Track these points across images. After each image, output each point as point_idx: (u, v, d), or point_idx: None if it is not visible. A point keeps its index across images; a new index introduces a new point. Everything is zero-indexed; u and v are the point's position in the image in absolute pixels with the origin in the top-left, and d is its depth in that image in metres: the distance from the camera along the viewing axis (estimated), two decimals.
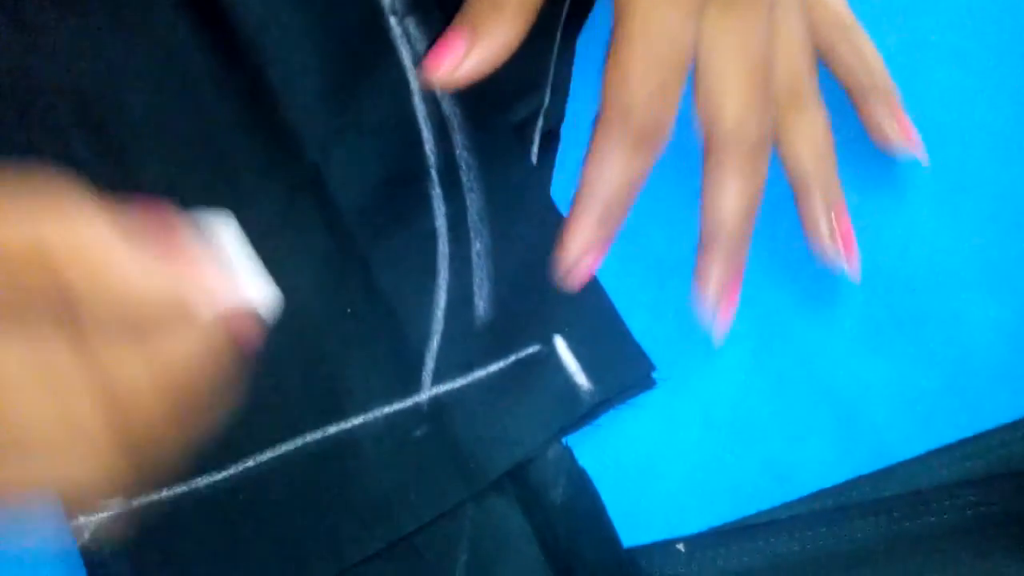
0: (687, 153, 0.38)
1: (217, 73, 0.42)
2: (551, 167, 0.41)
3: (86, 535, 0.39)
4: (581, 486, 0.38)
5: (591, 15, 0.43)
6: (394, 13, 0.42)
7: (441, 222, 0.40)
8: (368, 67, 0.41)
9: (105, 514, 0.39)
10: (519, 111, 0.41)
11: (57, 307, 0.26)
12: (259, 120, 0.41)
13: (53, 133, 0.42)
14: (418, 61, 0.41)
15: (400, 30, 0.42)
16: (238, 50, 0.41)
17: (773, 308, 0.41)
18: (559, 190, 0.41)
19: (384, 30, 0.42)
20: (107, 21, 0.42)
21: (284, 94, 0.41)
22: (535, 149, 0.41)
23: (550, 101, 0.42)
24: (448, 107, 0.41)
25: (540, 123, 0.41)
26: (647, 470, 0.40)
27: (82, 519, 0.39)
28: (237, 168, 0.41)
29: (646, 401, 0.40)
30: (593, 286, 0.39)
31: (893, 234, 0.42)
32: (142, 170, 0.41)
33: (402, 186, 0.40)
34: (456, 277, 0.39)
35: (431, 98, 0.41)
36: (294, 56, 0.41)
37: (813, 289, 0.41)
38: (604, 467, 0.39)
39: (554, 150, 0.42)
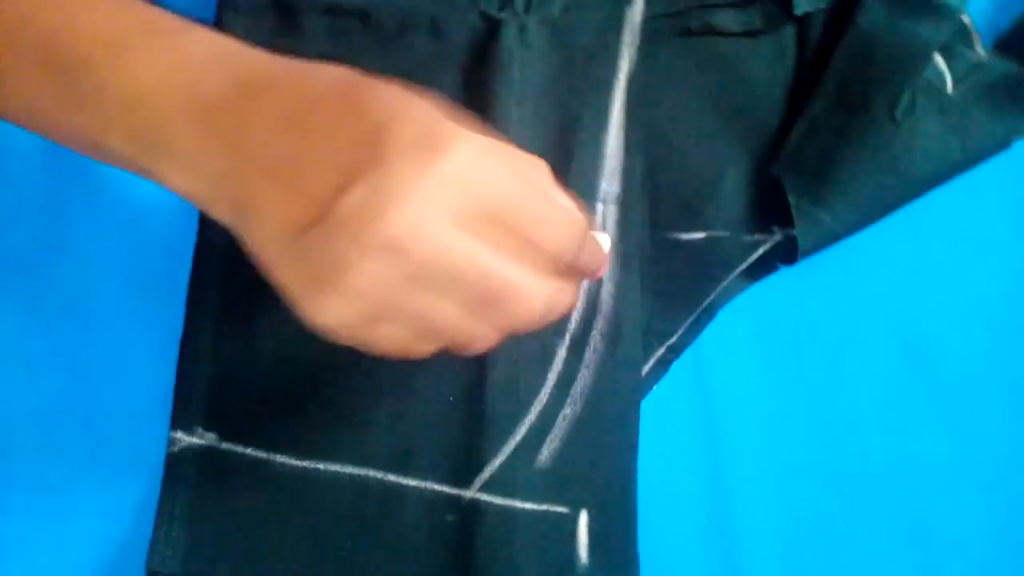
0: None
1: None
2: (652, 385, 0.50)
3: (176, 448, 0.48)
4: None
5: (744, 294, 0.52)
6: (603, 202, 0.51)
7: (552, 377, 0.49)
8: None
9: (197, 440, 0.48)
10: (651, 338, 0.50)
11: None
12: None
13: None
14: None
15: (602, 218, 0.51)
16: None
17: None
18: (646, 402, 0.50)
19: (590, 212, 0.51)
20: None
21: None
22: (647, 368, 0.50)
23: (677, 340, 0.51)
24: (606, 295, 0.50)
25: (661, 351, 0.51)
26: None
27: (180, 434, 0.48)
28: None
29: None
30: (630, 498, 0.48)
31: None
32: None
33: (540, 332, 0.49)
34: (539, 424, 0.48)
35: (595, 287, 0.50)
36: None
37: None
38: None
39: (660, 375, 0.50)
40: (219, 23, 0.53)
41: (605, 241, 0.42)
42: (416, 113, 0.35)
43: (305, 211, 0.34)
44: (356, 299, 0.34)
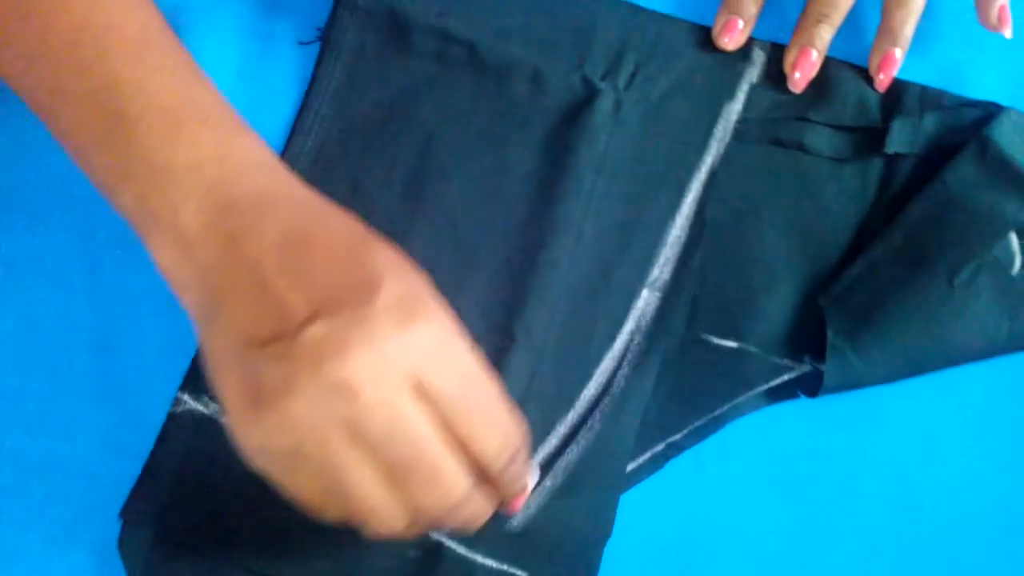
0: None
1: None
2: (643, 477, 0.51)
3: (179, 409, 0.50)
4: None
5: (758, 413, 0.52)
6: (649, 287, 0.52)
7: (542, 451, 0.50)
8: (605, 315, 0.51)
9: (201, 408, 0.50)
10: (654, 430, 0.51)
11: None
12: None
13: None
14: (638, 330, 0.51)
15: (642, 303, 0.52)
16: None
17: None
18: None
19: (632, 296, 0.52)
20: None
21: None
22: (643, 459, 0.51)
23: (680, 439, 0.51)
24: (620, 377, 0.51)
25: (660, 447, 0.51)
26: None
27: (187, 396, 0.50)
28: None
29: None
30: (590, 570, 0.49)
31: None
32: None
33: (552, 399, 0.50)
34: None
35: (614, 369, 0.51)
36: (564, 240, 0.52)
37: None
38: None
39: (654, 469, 0.51)
40: (334, 16, 0.55)
41: (534, 473, 0.45)
42: (410, 279, 0.37)
43: (272, 325, 0.36)
44: (287, 427, 0.35)
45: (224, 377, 0.37)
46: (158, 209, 0.39)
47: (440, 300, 0.38)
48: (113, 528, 0.49)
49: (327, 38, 0.55)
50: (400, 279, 0.37)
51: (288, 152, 0.53)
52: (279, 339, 0.35)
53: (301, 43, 0.55)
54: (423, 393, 0.36)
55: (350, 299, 0.36)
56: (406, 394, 0.36)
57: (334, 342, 0.35)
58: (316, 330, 0.35)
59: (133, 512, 0.48)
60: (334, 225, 0.39)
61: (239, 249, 0.37)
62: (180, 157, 0.39)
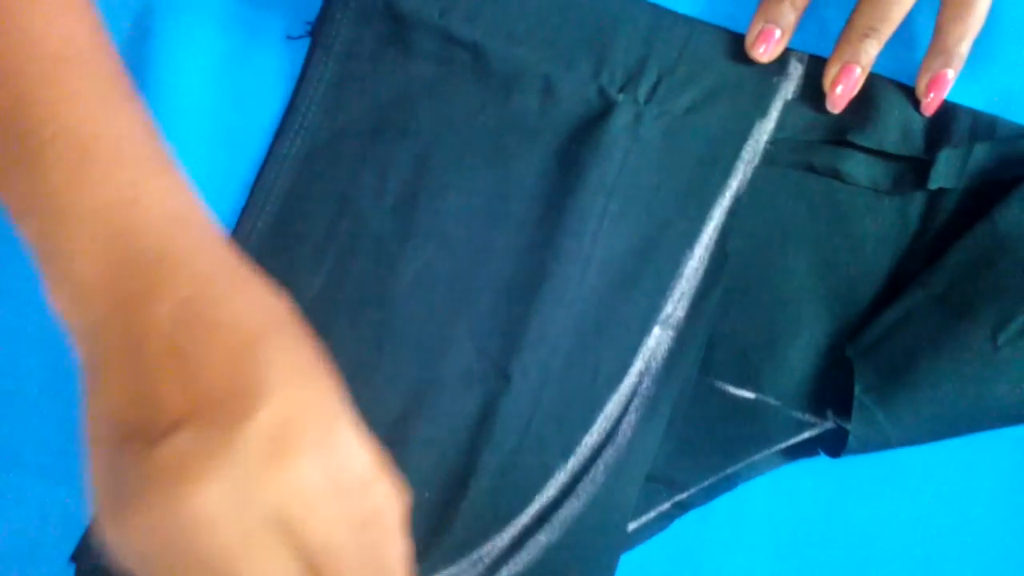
0: None
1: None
2: (646, 537, 0.47)
3: None
4: None
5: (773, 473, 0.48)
6: (661, 324, 0.47)
7: (541, 500, 0.46)
8: (611, 353, 0.47)
9: None
10: (660, 486, 0.47)
11: None
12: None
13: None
14: (647, 372, 0.47)
15: (653, 342, 0.47)
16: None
17: None
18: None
19: (643, 333, 0.47)
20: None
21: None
22: (647, 518, 0.47)
23: (688, 498, 0.47)
24: (626, 425, 0.46)
25: (667, 506, 0.47)
26: None
27: None
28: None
29: None
30: None
31: None
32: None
33: (552, 445, 0.46)
34: (509, 547, 0.45)
35: (619, 415, 0.46)
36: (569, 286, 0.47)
37: None
38: None
39: (658, 529, 0.47)
40: (326, 10, 0.50)
41: None
42: (297, 402, 0.32)
43: (141, 418, 0.32)
44: (140, 537, 0.31)
45: (92, 456, 0.33)
46: (56, 251, 0.35)
47: (339, 423, 0.33)
48: (66, 571, 0.45)
49: (317, 34, 0.50)
50: (290, 396, 0.32)
51: (271, 158, 0.49)
52: (143, 438, 0.31)
53: (289, 38, 0.50)
54: (292, 539, 0.32)
55: (224, 412, 0.31)
56: (268, 538, 0.31)
57: (195, 464, 0.31)
58: (179, 443, 0.31)
59: (85, 554, 0.45)
60: (237, 304, 0.34)
61: (129, 315, 0.33)
62: (86, 198, 0.34)
